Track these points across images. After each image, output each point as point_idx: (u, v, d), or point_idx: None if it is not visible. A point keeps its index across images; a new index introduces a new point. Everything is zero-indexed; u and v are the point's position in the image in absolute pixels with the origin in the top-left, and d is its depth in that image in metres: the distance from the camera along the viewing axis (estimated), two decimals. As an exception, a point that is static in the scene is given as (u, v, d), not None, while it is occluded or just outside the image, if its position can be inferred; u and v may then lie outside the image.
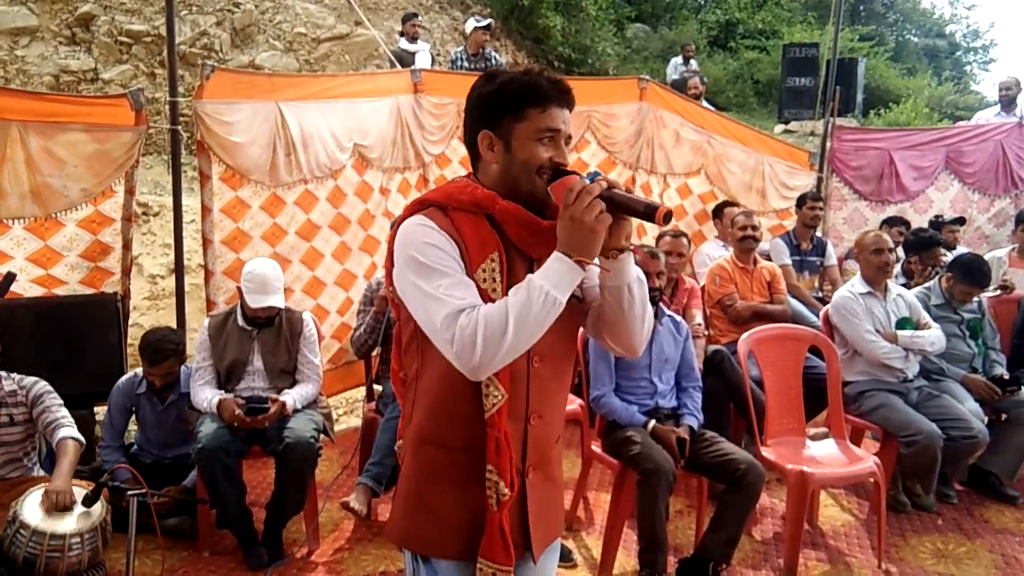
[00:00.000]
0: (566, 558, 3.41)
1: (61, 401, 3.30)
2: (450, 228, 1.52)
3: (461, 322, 1.42)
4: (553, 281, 1.42)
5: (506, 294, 1.48)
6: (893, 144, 6.46)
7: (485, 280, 1.50)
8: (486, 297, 1.49)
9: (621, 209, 1.44)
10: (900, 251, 5.18)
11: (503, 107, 1.55)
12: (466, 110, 1.63)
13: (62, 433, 3.17)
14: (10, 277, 1.85)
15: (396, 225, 1.61)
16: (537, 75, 1.56)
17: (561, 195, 1.46)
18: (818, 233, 5.71)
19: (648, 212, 1.41)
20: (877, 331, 4.00)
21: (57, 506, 2.94)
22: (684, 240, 4.47)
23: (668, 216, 1.40)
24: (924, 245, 5.08)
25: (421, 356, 1.59)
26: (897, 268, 5.33)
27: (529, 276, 1.45)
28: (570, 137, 1.59)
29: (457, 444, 1.58)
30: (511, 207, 1.53)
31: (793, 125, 11.78)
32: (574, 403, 3.97)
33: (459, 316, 1.43)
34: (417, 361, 1.61)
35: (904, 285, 4.80)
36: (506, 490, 1.53)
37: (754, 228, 4.64)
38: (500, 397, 1.51)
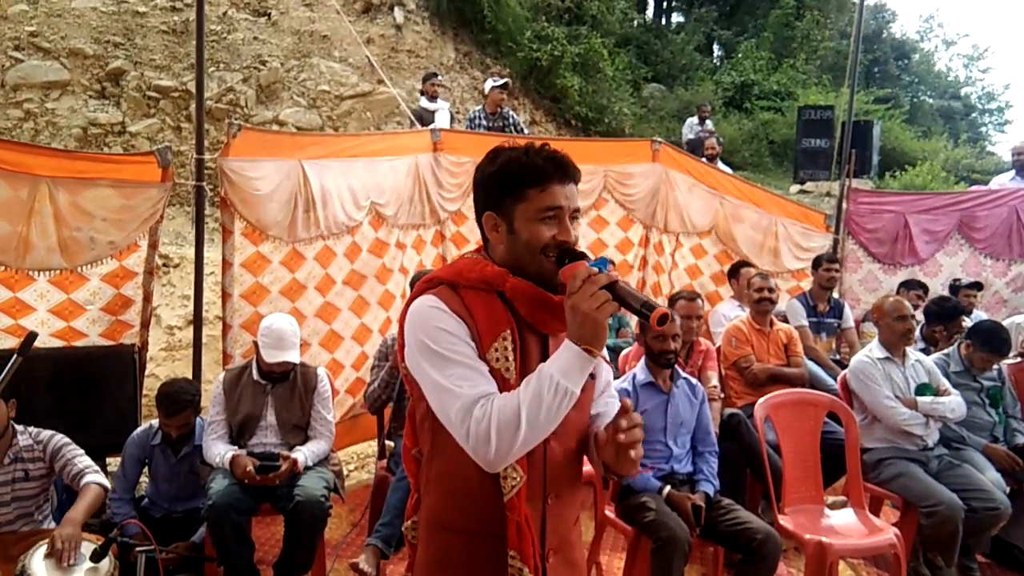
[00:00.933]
0: (578, 626, 3.33)
1: (81, 451, 3.30)
2: (460, 308, 1.53)
3: (476, 415, 1.42)
4: (564, 371, 1.40)
5: (519, 372, 1.47)
6: (908, 208, 6.48)
7: (498, 360, 1.50)
8: (499, 377, 1.49)
9: (620, 303, 1.42)
10: (919, 314, 5.14)
11: (503, 189, 1.56)
12: (473, 190, 1.65)
13: (88, 478, 3.16)
14: (32, 337, 1.88)
15: (407, 303, 1.61)
16: (536, 153, 1.55)
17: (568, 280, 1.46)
18: (835, 295, 5.69)
19: (644, 311, 1.39)
20: (897, 397, 3.95)
21: (61, 553, 2.90)
22: (699, 302, 4.46)
23: (663, 319, 1.37)
24: (949, 315, 5.02)
25: (433, 435, 1.57)
26: (916, 333, 5.29)
27: (541, 366, 1.44)
28: (577, 211, 1.57)
29: (475, 528, 1.55)
30: (521, 284, 1.52)
31: (809, 186, 11.84)
32: (587, 465, 3.91)
33: (473, 409, 1.42)
34: (430, 440, 1.59)
35: (923, 351, 4.75)
36: (530, 575, 1.50)
37: (771, 290, 4.63)
38: (519, 479, 1.50)
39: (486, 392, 1.44)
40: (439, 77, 8.90)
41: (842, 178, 6.48)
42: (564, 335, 1.46)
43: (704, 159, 8.05)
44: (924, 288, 5.80)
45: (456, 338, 1.49)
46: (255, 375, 3.66)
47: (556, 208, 1.53)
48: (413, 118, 6.65)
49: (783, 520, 3.48)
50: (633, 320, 5.52)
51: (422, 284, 1.62)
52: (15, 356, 1.89)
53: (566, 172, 1.55)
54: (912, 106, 20.14)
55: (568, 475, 1.63)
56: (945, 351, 4.44)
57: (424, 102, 8.52)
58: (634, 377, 3.52)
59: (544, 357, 1.55)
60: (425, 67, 10.73)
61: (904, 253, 6.38)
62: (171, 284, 6.40)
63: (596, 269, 1.43)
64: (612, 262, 1.39)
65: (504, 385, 1.49)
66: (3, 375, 1.88)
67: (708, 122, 12.46)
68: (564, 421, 1.52)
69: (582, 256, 1.49)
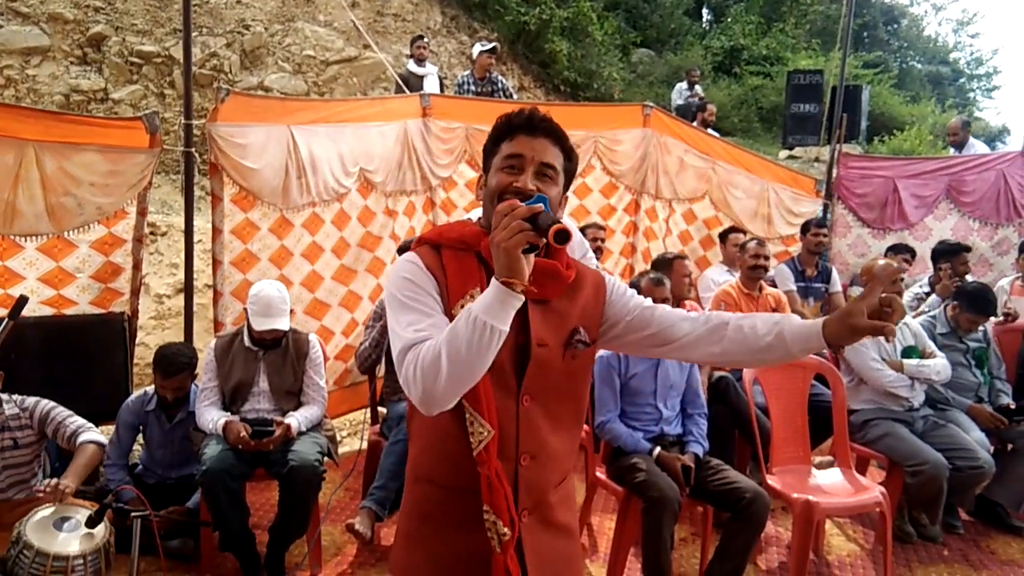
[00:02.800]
0: (570, 585, 3.39)
1: (70, 412, 3.31)
2: (435, 264, 1.55)
3: (409, 358, 1.41)
4: (484, 306, 1.35)
5: None
6: (898, 172, 6.50)
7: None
8: None
9: (540, 233, 1.36)
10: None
11: (488, 148, 1.62)
12: None
13: (84, 437, 3.18)
14: (23, 300, 1.87)
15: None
16: (520, 111, 1.58)
17: None
18: (823, 260, 5.73)
19: (544, 228, 1.34)
20: (883, 359, 4.00)
21: (53, 491, 2.93)
22: (687, 263, 4.50)
23: (560, 235, 1.32)
24: (952, 251, 5.24)
25: None
26: (924, 279, 5.38)
27: (468, 306, 1.41)
28: (547, 165, 1.54)
29: (449, 483, 1.57)
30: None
31: (797, 151, 11.82)
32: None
33: (408, 352, 1.42)
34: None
35: (927, 294, 4.83)
36: (505, 529, 1.50)
37: (766, 257, 4.65)
38: (486, 434, 1.49)
39: (426, 337, 1.42)
40: (426, 40, 8.79)
41: (832, 143, 6.49)
42: (542, 296, 1.54)
43: (701, 125, 8.05)
44: (911, 252, 5.84)
45: (420, 289, 1.50)
46: (246, 342, 3.66)
47: (517, 156, 1.54)
48: (401, 83, 6.58)
49: (771, 480, 3.53)
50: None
51: (412, 245, 1.66)
52: (6, 320, 1.87)
53: (535, 125, 1.56)
54: (901, 71, 20.05)
55: (548, 441, 1.59)
56: (932, 313, 4.49)
57: (412, 66, 8.43)
58: (624, 341, 3.54)
59: (522, 320, 1.53)
60: (411, 31, 10.59)
61: (894, 218, 6.42)
62: (159, 252, 6.36)
63: (526, 206, 1.37)
64: (547, 198, 1.33)
65: None
66: (-5, 340, 1.86)
67: (697, 87, 12.40)
68: (544, 385, 1.56)
69: (532, 200, 1.43)
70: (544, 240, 1.34)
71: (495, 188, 1.54)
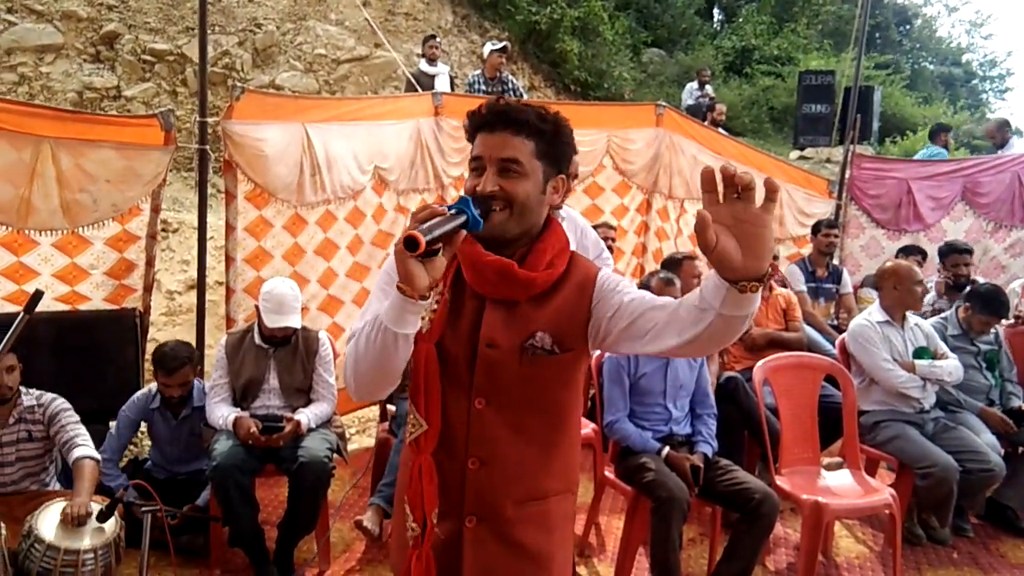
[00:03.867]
0: (578, 584, 3.40)
1: (78, 419, 3.33)
2: None
3: (349, 345, 1.47)
4: (386, 309, 1.36)
5: (438, 327, 1.46)
6: (912, 174, 6.48)
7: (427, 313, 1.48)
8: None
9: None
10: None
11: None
12: None
13: (78, 452, 3.19)
14: (38, 295, 1.88)
15: None
16: (478, 108, 1.52)
17: None
18: (834, 261, 5.71)
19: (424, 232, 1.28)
20: (895, 360, 3.98)
21: (75, 518, 2.96)
22: (697, 264, 4.48)
23: (409, 242, 1.25)
24: (953, 251, 5.28)
25: None
26: (931, 280, 5.39)
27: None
28: (510, 160, 1.47)
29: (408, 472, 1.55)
30: (464, 245, 1.45)
31: (808, 152, 11.79)
32: (587, 427, 3.96)
33: (350, 339, 1.48)
34: None
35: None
36: (414, 525, 1.48)
37: (775, 258, 4.64)
38: (419, 427, 1.48)
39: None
40: (438, 40, 8.81)
41: (846, 144, 6.47)
42: (502, 296, 1.51)
43: (711, 125, 8.02)
44: (923, 254, 5.82)
45: (392, 283, 1.43)
46: (257, 339, 3.68)
47: (477, 158, 1.50)
48: (413, 81, 6.59)
49: (780, 481, 3.52)
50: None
51: None
52: (22, 315, 1.89)
53: (492, 121, 1.49)
54: (913, 72, 19.97)
55: (506, 449, 1.53)
56: (944, 315, 4.47)
57: (423, 65, 8.45)
58: (634, 340, 3.54)
59: (478, 319, 1.52)
60: (423, 31, 10.61)
61: (909, 219, 6.39)
62: (170, 249, 6.40)
63: (450, 211, 1.34)
64: (469, 201, 1.29)
65: (418, 336, 1.44)
66: (10, 333, 1.88)
67: (708, 87, 12.38)
68: (504, 389, 1.51)
69: (454, 205, 1.39)
70: (429, 245, 1.27)
71: (465, 193, 1.49)
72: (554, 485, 1.59)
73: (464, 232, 1.37)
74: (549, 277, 1.52)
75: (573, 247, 3.28)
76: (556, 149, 1.53)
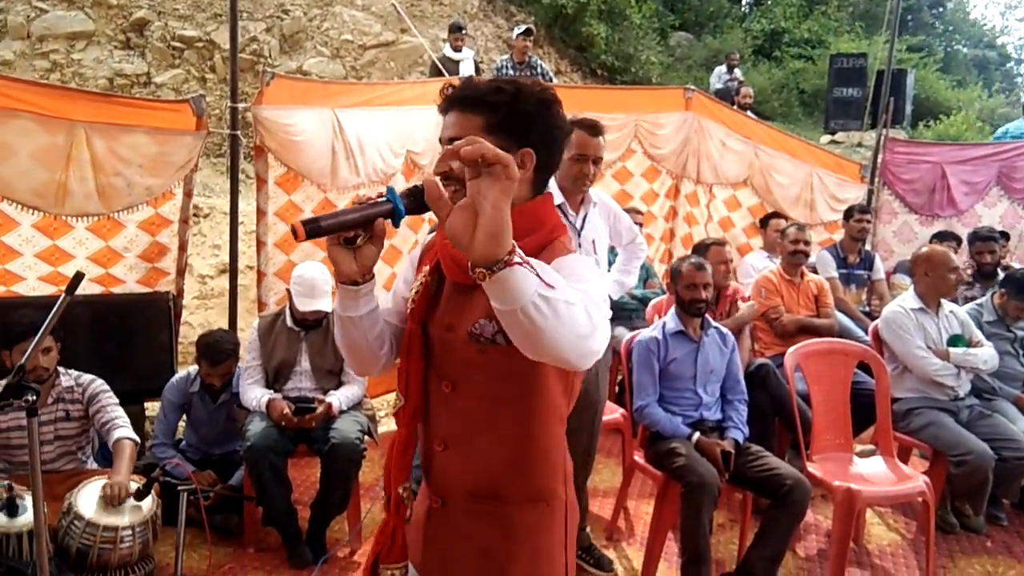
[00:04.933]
0: (606, 568, 3.41)
1: (117, 400, 3.39)
2: (429, 247, 1.59)
3: None
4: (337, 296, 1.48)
5: (420, 308, 1.50)
6: (946, 158, 6.36)
7: (410, 293, 1.54)
8: (404, 307, 1.55)
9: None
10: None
11: None
12: None
13: (118, 433, 3.26)
14: (79, 276, 1.92)
15: None
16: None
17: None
18: (867, 246, 5.63)
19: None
20: (929, 348, 3.93)
21: (115, 498, 3.02)
22: (727, 248, 4.46)
23: (293, 230, 1.25)
24: (980, 237, 5.20)
25: None
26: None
27: None
28: (455, 138, 1.33)
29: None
30: (438, 228, 1.44)
31: (839, 136, 11.63)
32: (616, 412, 3.97)
33: None
34: None
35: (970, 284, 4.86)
36: (382, 492, 1.56)
37: (806, 243, 4.60)
38: (400, 401, 1.54)
39: None
40: (464, 31, 8.78)
41: (879, 128, 6.36)
42: (457, 279, 1.46)
43: (738, 109, 7.93)
44: (957, 239, 5.73)
45: (403, 268, 1.55)
46: (289, 322, 3.71)
47: (441, 142, 1.45)
48: (440, 67, 6.58)
49: (811, 467, 3.50)
50: (660, 271, 5.51)
51: None
52: (63, 296, 1.93)
53: (446, 106, 1.45)
54: (946, 55, 19.56)
55: (472, 436, 1.50)
56: (979, 301, 4.40)
57: (448, 51, 8.44)
58: (664, 325, 3.53)
59: (452, 302, 1.51)
60: (448, 15, 10.59)
61: (942, 204, 6.27)
62: (202, 234, 6.46)
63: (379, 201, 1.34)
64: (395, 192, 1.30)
65: (401, 317, 1.55)
66: (52, 315, 1.92)
67: (737, 71, 12.24)
68: (470, 376, 1.47)
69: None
70: (317, 234, 1.29)
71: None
72: (517, 490, 1.50)
73: (384, 220, 1.35)
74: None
75: (605, 232, 3.31)
76: (514, 120, 1.40)
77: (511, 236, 1.12)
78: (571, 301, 1.18)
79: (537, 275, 1.15)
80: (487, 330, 1.42)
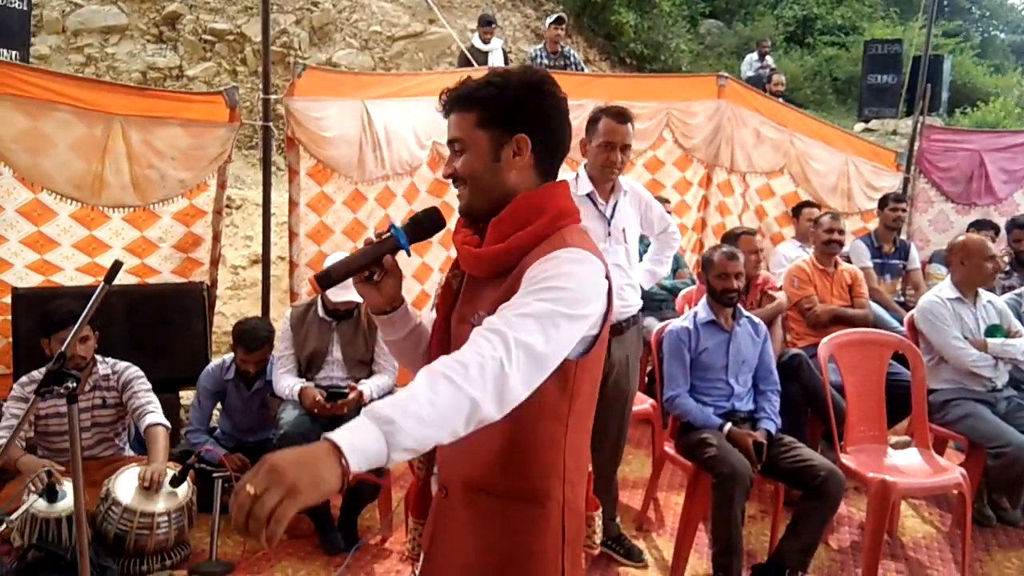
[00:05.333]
0: (636, 558, 3.40)
1: (150, 387, 3.45)
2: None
3: None
4: None
5: (444, 302, 1.57)
6: (984, 145, 6.22)
7: (436, 291, 1.62)
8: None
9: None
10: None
11: None
12: None
13: (149, 419, 3.32)
14: (117, 265, 1.95)
15: None
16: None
17: None
18: (902, 235, 5.54)
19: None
20: (966, 338, 3.86)
21: (151, 483, 3.08)
22: (756, 237, 4.41)
23: (313, 283, 1.49)
24: (1017, 225, 5.13)
25: None
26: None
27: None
28: (452, 141, 1.48)
29: None
30: (457, 223, 1.57)
31: (874, 124, 11.42)
32: (645, 403, 3.95)
33: None
34: None
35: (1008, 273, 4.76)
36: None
37: (840, 232, 4.53)
38: None
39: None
40: (494, 24, 8.76)
41: (915, 115, 6.24)
42: (469, 272, 1.53)
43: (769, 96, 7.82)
44: (995, 228, 5.61)
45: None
46: (320, 312, 3.74)
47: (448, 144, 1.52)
48: (470, 57, 6.58)
49: (845, 459, 3.46)
50: (691, 261, 5.47)
51: None
52: (102, 284, 1.96)
53: (444, 108, 1.50)
54: (983, 41, 19.15)
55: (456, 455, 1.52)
56: (1017, 291, 4.31)
57: (477, 41, 8.42)
58: (695, 315, 3.50)
59: (467, 294, 1.54)
60: (477, 5, 10.56)
61: (980, 192, 6.14)
62: (234, 225, 6.53)
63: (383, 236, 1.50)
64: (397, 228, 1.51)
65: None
66: (91, 303, 1.96)
67: (768, 58, 12.07)
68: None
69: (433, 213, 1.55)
70: (330, 285, 1.49)
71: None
72: (509, 485, 1.46)
73: (394, 252, 1.50)
74: (491, 253, 1.43)
75: (636, 221, 3.29)
76: (504, 110, 1.42)
77: (328, 468, 1.07)
78: (435, 404, 1.17)
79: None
80: (478, 322, 1.39)
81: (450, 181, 1.50)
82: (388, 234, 1.48)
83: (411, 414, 1.14)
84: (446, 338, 1.54)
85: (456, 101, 1.47)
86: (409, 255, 1.50)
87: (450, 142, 1.48)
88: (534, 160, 1.45)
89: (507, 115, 1.43)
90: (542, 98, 1.46)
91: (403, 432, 1.13)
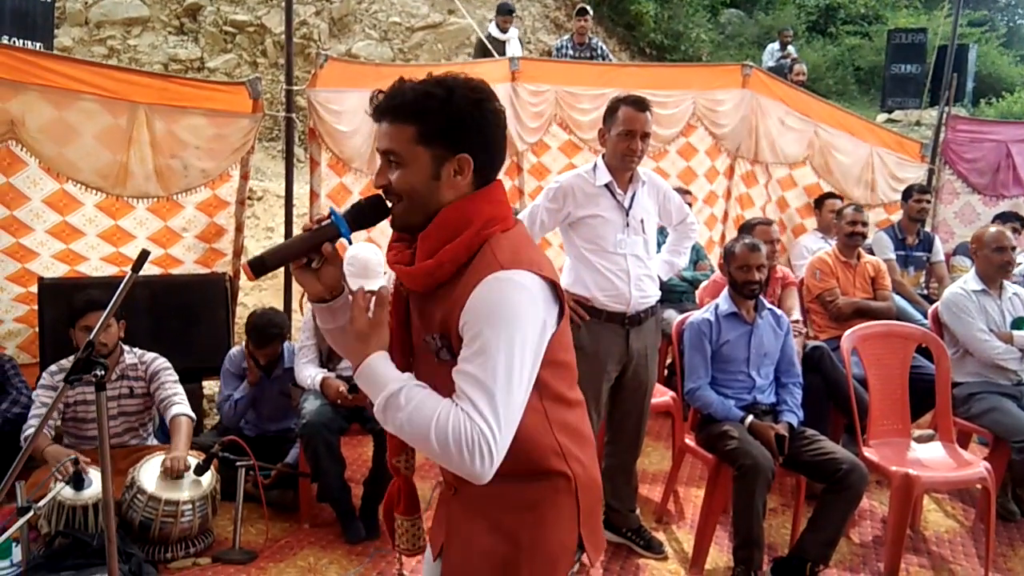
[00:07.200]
0: (657, 550, 3.40)
1: (177, 378, 3.49)
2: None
3: None
4: None
5: (396, 309, 1.55)
6: (1011, 136, 6.12)
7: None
8: None
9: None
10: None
11: None
12: None
13: (175, 410, 3.36)
14: (144, 255, 1.97)
15: None
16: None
17: None
18: (926, 227, 5.48)
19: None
20: (991, 331, 3.81)
21: (174, 471, 3.12)
22: (773, 227, 4.38)
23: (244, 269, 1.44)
24: None
25: None
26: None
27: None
28: (386, 152, 1.42)
29: None
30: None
31: (897, 114, 11.29)
32: (666, 395, 3.94)
33: None
34: None
35: None
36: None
37: (864, 224, 4.48)
38: None
39: None
40: (513, 13, 8.73)
41: (941, 105, 6.15)
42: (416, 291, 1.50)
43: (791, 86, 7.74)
44: (1021, 220, 5.53)
45: None
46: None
47: (378, 152, 1.46)
48: (489, 46, 6.57)
49: (868, 452, 3.44)
50: (716, 252, 5.43)
51: None
52: (130, 273, 1.98)
53: (377, 112, 1.42)
54: (1009, 30, 18.79)
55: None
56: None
57: (494, 30, 8.40)
58: (716, 307, 3.48)
59: (416, 310, 1.54)
60: (497, -6, 10.51)
61: (1007, 184, 6.04)
62: (255, 216, 6.57)
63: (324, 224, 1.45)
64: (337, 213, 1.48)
65: None
66: (119, 291, 1.97)
67: (790, 48, 11.94)
68: (432, 383, 1.43)
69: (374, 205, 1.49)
70: (263, 272, 1.44)
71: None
72: (514, 469, 1.42)
73: (334, 240, 1.45)
74: (423, 270, 1.41)
75: (654, 211, 3.26)
76: (448, 126, 1.38)
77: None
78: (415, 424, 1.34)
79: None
80: (433, 343, 1.44)
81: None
82: (329, 221, 1.43)
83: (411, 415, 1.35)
84: (407, 348, 1.54)
85: (390, 111, 1.39)
86: (350, 243, 1.49)
87: (384, 152, 1.41)
88: (472, 178, 1.42)
89: (451, 133, 1.38)
90: (485, 116, 1.41)
91: (391, 410, 1.36)
